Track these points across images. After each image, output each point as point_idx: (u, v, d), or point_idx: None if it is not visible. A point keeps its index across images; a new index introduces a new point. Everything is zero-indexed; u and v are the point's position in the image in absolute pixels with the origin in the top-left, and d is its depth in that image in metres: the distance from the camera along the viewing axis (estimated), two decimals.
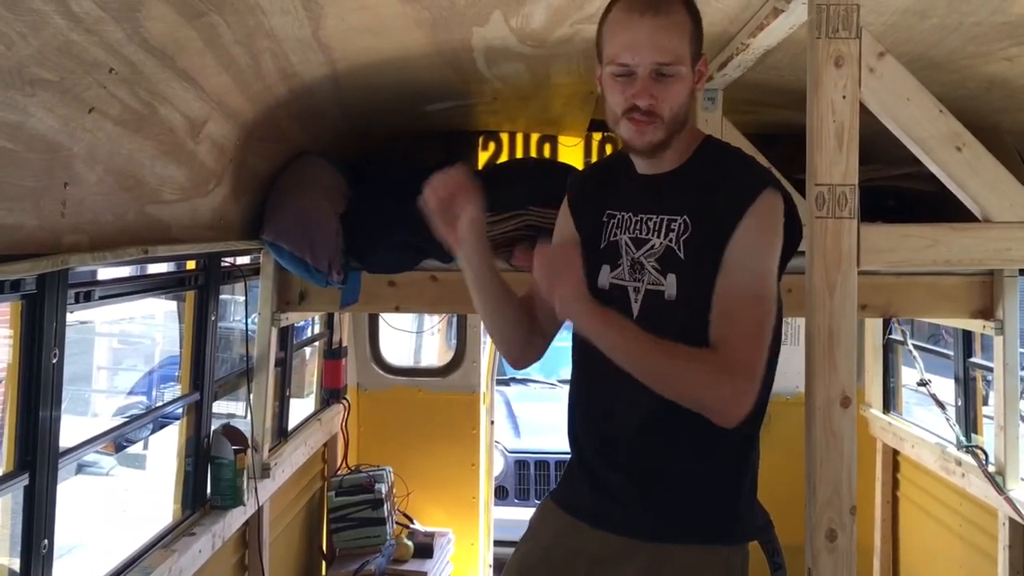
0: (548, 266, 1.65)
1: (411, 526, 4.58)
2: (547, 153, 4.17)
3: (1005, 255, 1.74)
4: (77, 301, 2.09)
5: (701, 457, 1.76)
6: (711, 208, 1.71)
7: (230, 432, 2.93)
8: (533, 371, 7.28)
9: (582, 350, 1.85)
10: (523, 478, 6.19)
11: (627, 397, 1.74)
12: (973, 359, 3.60)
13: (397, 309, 3.31)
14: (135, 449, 9.86)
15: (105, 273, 2.33)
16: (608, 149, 4.12)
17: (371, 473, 4.38)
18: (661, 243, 1.74)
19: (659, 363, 1.65)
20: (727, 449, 1.76)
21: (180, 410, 2.96)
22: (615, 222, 1.81)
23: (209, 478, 2.89)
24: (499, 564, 5.30)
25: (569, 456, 1.95)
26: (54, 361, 1.92)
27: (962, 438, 3.42)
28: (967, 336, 3.60)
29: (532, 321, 1.93)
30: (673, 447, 1.76)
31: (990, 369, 3.29)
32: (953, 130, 1.72)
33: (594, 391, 1.85)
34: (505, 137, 4.15)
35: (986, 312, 3.11)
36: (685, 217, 1.73)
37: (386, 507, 4.29)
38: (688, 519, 1.77)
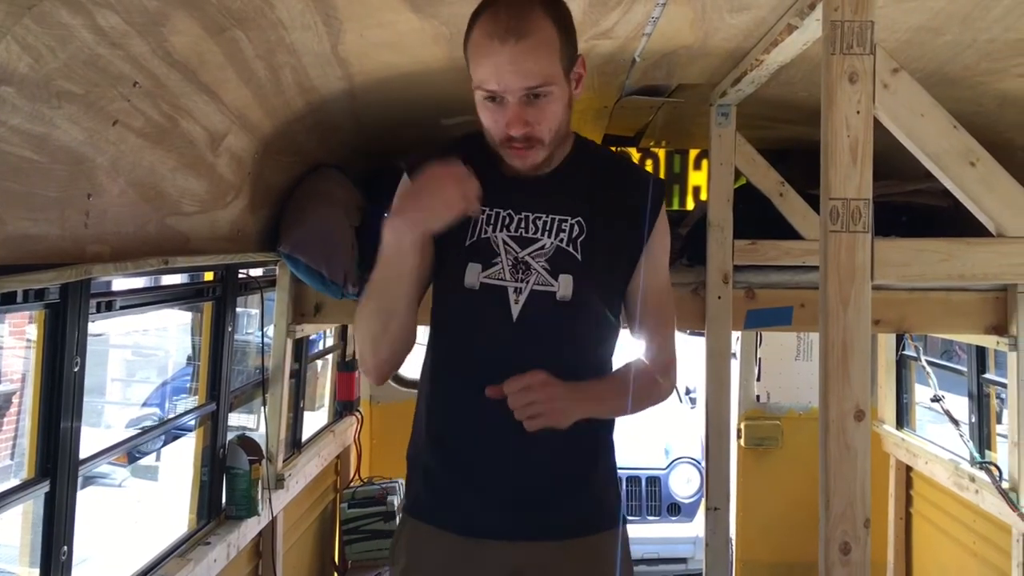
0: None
1: None
2: None
3: (1020, 270, 1.74)
4: (99, 311, 2.11)
5: (605, 442, 1.82)
6: (612, 213, 1.73)
7: (245, 442, 2.95)
8: None
9: (457, 347, 1.75)
10: None
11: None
12: (987, 375, 3.59)
13: None
14: (147, 461, 9.88)
15: (123, 284, 2.36)
16: None
17: (384, 485, 4.39)
18: (552, 243, 1.70)
19: (626, 404, 1.75)
20: (612, 433, 1.83)
21: (193, 422, 2.98)
22: (484, 218, 1.71)
23: (224, 488, 2.92)
24: None
25: (431, 465, 1.79)
26: (76, 370, 1.95)
27: (976, 454, 3.41)
28: (981, 352, 3.59)
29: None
30: (586, 438, 1.77)
31: (1004, 385, 3.29)
32: (967, 145, 1.73)
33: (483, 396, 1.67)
34: None
35: (1000, 328, 3.11)
36: (579, 219, 1.71)
37: (398, 520, 4.29)
38: (608, 504, 1.81)
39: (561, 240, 1.70)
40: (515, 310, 1.68)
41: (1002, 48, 2.11)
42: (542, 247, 1.70)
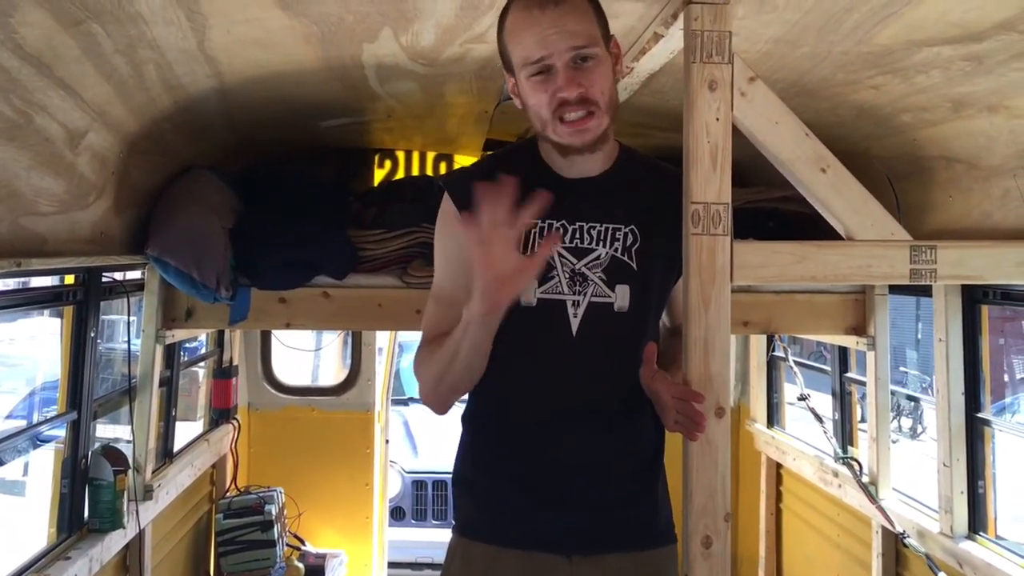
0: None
1: (302, 548, 4.50)
2: (443, 172, 4.19)
3: (867, 271, 1.83)
4: None
5: (661, 456, 1.86)
6: (661, 221, 1.75)
7: (110, 453, 2.84)
8: None
9: (516, 365, 1.73)
10: (420, 499, 6.17)
11: (596, 402, 1.74)
12: (849, 374, 3.76)
13: (288, 326, 3.26)
14: (14, 475, 9.41)
15: None
16: None
17: (261, 494, 4.29)
18: (607, 253, 1.71)
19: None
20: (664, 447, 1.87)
21: (60, 432, 2.85)
22: (537, 232, 1.71)
23: (87, 500, 2.79)
24: None
25: (493, 483, 1.78)
26: None
27: (838, 450, 3.56)
28: (843, 352, 3.76)
29: None
30: (649, 451, 1.82)
31: (864, 383, 3.44)
32: (818, 153, 1.80)
33: (555, 404, 1.73)
34: (401, 155, 4.15)
35: (859, 329, 3.25)
36: (632, 227, 1.73)
37: (276, 529, 4.20)
38: (666, 518, 1.86)
39: (615, 250, 1.71)
40: (575, 323, 1.69)
41: (855, 60, 2.21)
42: (597, 257, 1.71)
